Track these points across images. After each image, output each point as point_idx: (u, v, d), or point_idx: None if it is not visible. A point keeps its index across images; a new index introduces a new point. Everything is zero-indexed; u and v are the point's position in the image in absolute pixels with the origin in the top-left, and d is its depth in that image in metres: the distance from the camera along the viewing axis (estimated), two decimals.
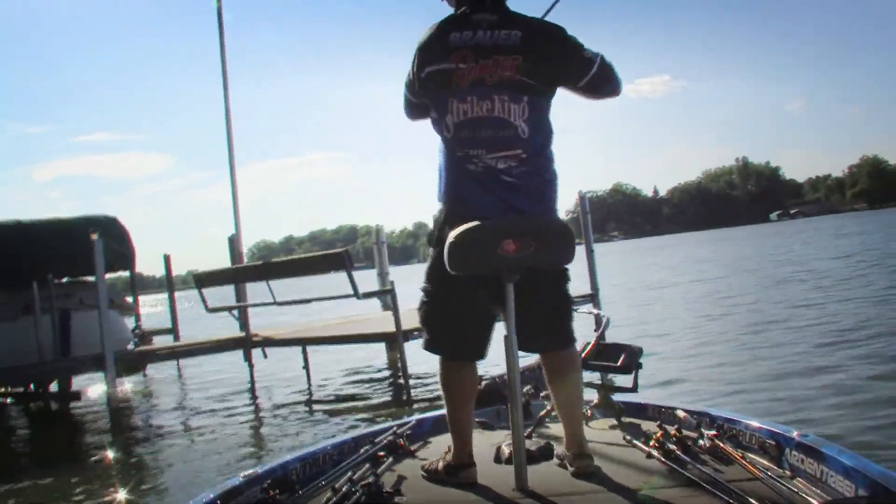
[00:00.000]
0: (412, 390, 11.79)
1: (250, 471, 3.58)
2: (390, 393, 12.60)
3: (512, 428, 3.27)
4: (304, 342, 14.09)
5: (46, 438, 11.84)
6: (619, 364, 4.57)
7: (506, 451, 3.70)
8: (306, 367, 14.46)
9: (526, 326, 3.32)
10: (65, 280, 13.61)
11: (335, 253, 11.71)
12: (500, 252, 3.13)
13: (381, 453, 4.00)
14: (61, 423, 12.99)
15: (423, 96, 3.61)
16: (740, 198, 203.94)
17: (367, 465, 3.79)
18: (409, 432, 4.34)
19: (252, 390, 13.96)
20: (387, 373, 14.47)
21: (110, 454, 10.07)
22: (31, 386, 14.33)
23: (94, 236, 11.98)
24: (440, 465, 3.63)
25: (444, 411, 3.70)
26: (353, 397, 12.34)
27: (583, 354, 4.48)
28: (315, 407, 12.06)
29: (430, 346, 3.63)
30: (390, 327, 12.21)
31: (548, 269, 3.45)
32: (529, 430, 4.21)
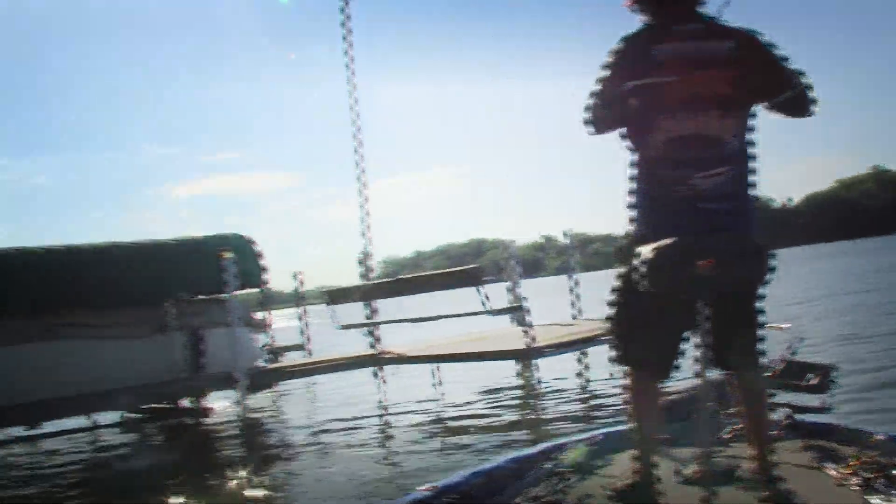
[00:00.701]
0: (546, 408, 11.37)
1: (430, 485, 3.60)
2: (522, 411, 12.20)
3: (699, 448, 3.24)
4: (434, 359, 13.80)
5: (179, 455, 11.80)
6: (811, 383, 4.41)
7: (690, 470, 3.62)
8: (437, 384, 14.18)
9: (716, 344, 3.23)
10: (197, 298, 13.64)
11: (468, 269, 11.42)
12: (696, 271, 3.07)
13: (562, 469, 3.94)
14: (194, 440, 12.96)
15: (622, 111, 3.37)
16: (876, 207, 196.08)
17: (548, 482, 3.76)
18: (591, 447, 4.27)
19: (383, 407, 13.71)
20: (518, 390, 14.05)
21: (243, 472, 9.93)
22: (165, 402, 14.42)
23: (226, 255, 11.98)
24: (623, 483, 3.56)
25: (625, 426, 3.68)
26: (484, 415, 11.95)
27: (772, 372, 4.21)
28: (447, 424, 11.72)
29: (619, 361, 3.62)
30: (522, 343, 11.82)
31: (743, 288, 3.37)
32: (715, 449, 4.06)
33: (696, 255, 3.08)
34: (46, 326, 11.98)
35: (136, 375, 12.28)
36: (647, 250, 3.18)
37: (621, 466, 3.85)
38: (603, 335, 12.61)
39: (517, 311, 12.47)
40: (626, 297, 3.53)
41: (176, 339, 12.94)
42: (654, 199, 3.38)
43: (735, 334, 3.41)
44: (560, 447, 4.27)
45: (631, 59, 3.34)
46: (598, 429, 5.01)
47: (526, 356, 12.09)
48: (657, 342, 3.49)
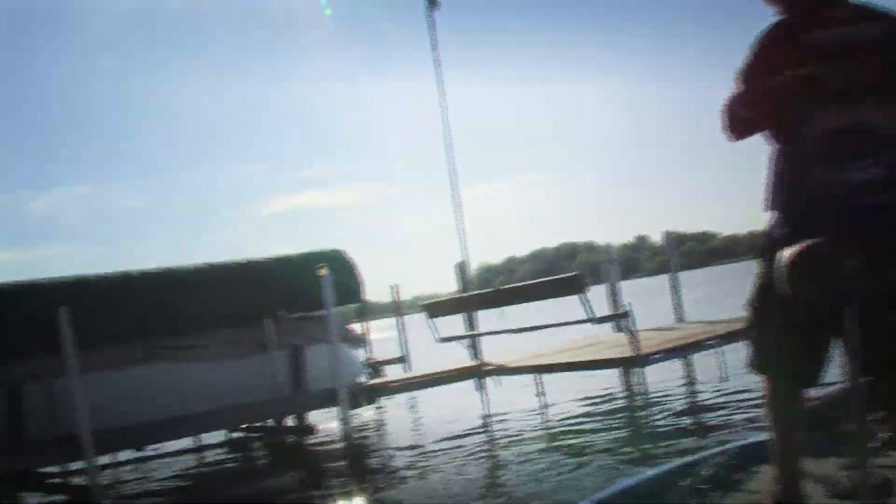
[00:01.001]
0: (657, 418, 10.98)
1: None
2: (632, 421, 11.83)
3: (857, 460, 3.03)
4: (537, 370, 13.49)
5: (284, 474, 11.74)
6: None
7: (843, 483, 3.49)
8: (541, 394, 13.86)
9: (864, 348, 2.97)
10: (296, 316, 13.58)
11: (569, 277, 11.11)
12: (844, 272, 2.82)
13: (703, 486, 3.79)
14: (299, 458, 12.90)
15: (772, 109, 3.11)
16: None
17: (692, 499, 3.62)
18: (730, 461, 4.03)
19: (488, 420, 13.45)
20: (625, 399, 13.65)
21: (350, 491, 9.84)
22: (268, 420, 14.42)
23: (323, 271, 11.89)
24: (767, 500, 3.40)
25: (764, 438, 3.51)
26: (592, 428, 11.56)
27: None
28: (555, 438, 11.41)
29: (757, 368, 3.43)
30: (625, 351, 11.46)
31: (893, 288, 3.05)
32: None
33: (844, 255, 2.84)
34: (148, 350, 12.04)
35: (238, 395, 12.27)
36: (790, 251, 2.93)
37: (763, 481, 3.65)
38: (710, 339, 12.28)
39: (621, 318, 12.09)
40: (766, 299, 3.27)
41: (276, 358, 12.90)
42: (800, 195, 3.10)
43: (884, 337, 3.09)
44: (697, 462, 4.03)
45: (778, 51, 3.08)
46: (731, 440, 4.77)
47: (631, 364, 11.71)
48: (800, 348, 3.23)
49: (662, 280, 18.95)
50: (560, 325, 12.26)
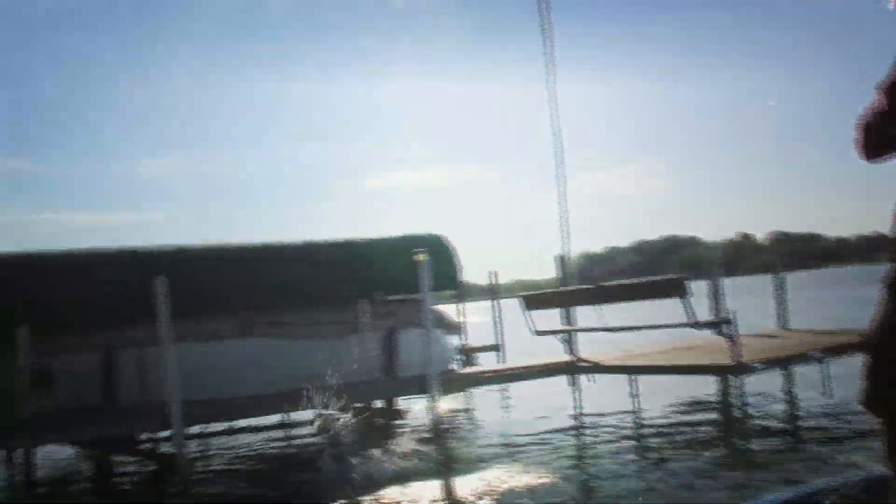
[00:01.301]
0: (754, 431, 10.61)
1: None
2: (726, 435, 11.45)
3: None
4: (632, 370, 13.15)
5: (371, 457, 11.70)
6: None
7: None
8: (635, 395, 13.52)
9: None
10: (392, 298, 13.54)
11: (672, 281, 10.79)
12: None
13: None
14: (386, 442, 12.85)
15: None
16: None
17: None
18: (859, 496, 3.72)
19: (579, 417, 13.21)
20: (719, 411, 13.24)
21: (431, 479, 9.76)
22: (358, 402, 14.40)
23: (421, 257, 11.79)
24: None
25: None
26: (686, 440, 11.19)
27: None
28: (646, 442, 11.15)
29: (873, 406, 2.85)
30: (723, 357, 11.08)
31: None
32: None
33: None
34: (244, 324, 12.16)
35: (328, 375, 12.29)
36: None
37: None
38: (814, 351, 11.75)
39: (722, 325, 11.69)
40: (893, 331, 2.79)
41: (370, 340, 12.87)
42: None
43: None
44: (818, 493, 3.74)
45: None
46: (836, 466, 4.46)
47: (730, 372, 11.33)
48: None
49: (764, 280, 18.27)
50: (660, 328, 11.93)
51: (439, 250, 14.00)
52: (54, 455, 12.53)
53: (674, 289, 10.70)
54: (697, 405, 13.30)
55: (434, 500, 8.77)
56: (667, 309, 11.72)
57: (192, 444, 12.92)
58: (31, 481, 10.20)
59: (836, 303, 35.77)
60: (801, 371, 13.23)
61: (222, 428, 13.29)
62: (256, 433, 13.73)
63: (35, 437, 10.27)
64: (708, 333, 15.19)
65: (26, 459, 10.28)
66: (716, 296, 16.53)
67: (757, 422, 11.73)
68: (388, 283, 13.44)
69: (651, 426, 12.13)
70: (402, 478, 9.88)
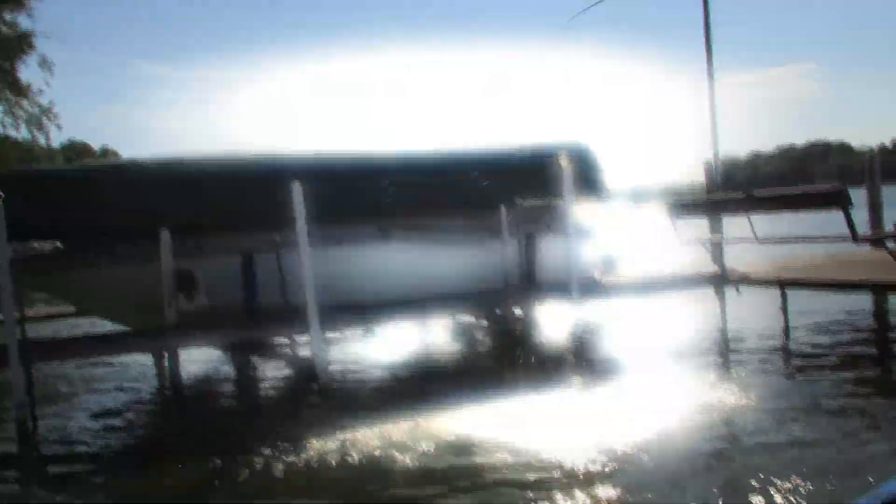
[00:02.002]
0: None
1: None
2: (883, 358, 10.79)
3: None
4: (783, 284, 12.51)
5: (510, 362, 11.56)
6: None
7: None
8: (785, 310, 12.89)
9: None
10: (532, 204, 13.22)
11: (833, 190, 10.11)
12: None
13: None
14: (526, 349, 12.71)
15: None
16: None
17: None
18: None
19: (724, 331, 12.72)
20: (876, 331, 12.51)
21: (571, 385, 9.58)
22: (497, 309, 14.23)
23: (565, 162, 11.42)
24: None
25: None
26: (839, 360, 10.59)
27: None
28: (797, 362, 10.65)
29: None
30: (883, 274, 10.37)
31: None
32: None
33: None
34: (383, 229, 12.08)
35: (468, 281, 12.15)
36: None
37: None
38: None
39: (888, 239, 10.95)
40: None
41: (510, 246, 12.63)
42: None
43: None
44: None
45: None
46: None
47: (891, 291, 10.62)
48: None
49: None
50: (817, 240, 11.26)
51: (583, 157, 13.56)
52: (198, 358, 12.89)
53: (836, 199, 10.02)
54: (853, 327, 12.54)
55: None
56: (817, 221, 11.06)
57: (330, 349, 13.08)
58: (178, 383, 10.45)
59: None
60: None
61: (362, 333, 13.35)
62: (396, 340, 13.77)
63: (180, 339, 10.48)
64: (867, 249, 14.35)
65: (172, 362, 10.53)
66: (874, 207, 15.62)
67: None
68: (531, 189, 13.12)
69: (799, 346, 11.57)
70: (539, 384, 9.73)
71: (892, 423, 7.67)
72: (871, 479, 5.62)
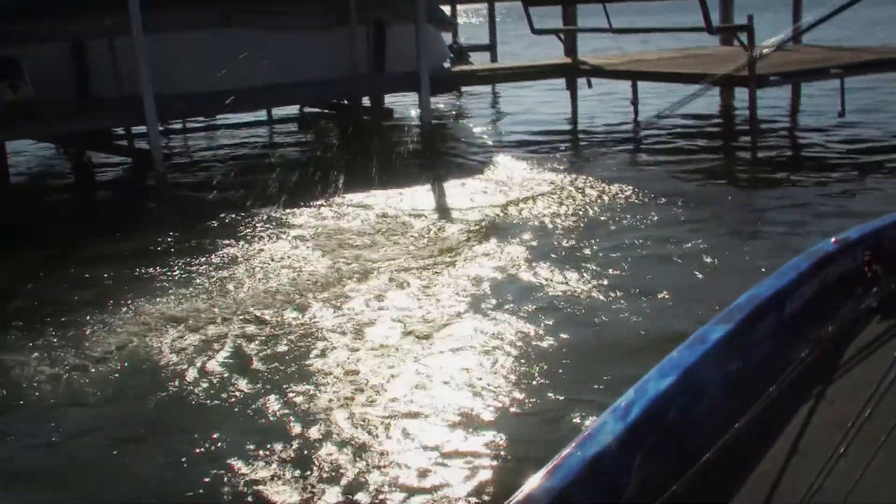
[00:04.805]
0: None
1: (843, 235, 2.85)
2: (727, 151, 10.97)
3: None
4: (635, 76, 12.34)
5: (363, 152, 11.13)
6: None
7: None
8: (634, 103, 12.82)
9: None
10: None
11: None
12: None
13: None
14: (375, 140, 12.24)
15: None
16: None
17: None
18: None
19: (573, 122, 12.59)
20: (720, 120, 12.63)
21: (428, 178, 9.31)
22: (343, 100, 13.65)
23: None
24: None
25: None
26: (682, 148, 10.67)
27: None
28: (644, 147, 10.68)
29: None
30: (738, 68, 10.30)
31: None
32: None
33: None
34: (222, 13, 11.17)
35: (314, 70, 11.50)
36: None
37: None
38: (835, 67, 10.92)
39: (740, 31, 10.78)
40: None
41: (358, 34, 11.95)
42: None
43: None
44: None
45: None
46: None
47: (744, 84, 10.55)
48: None
49: None
50: (670, 31, 11.04)
51: None
52: (29, 153, 12.03)
53: None
54: (698, 117, 12.58)
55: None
56: (667, 14, 10.86)
57: (170, 140, 12.40)
58: (5, 176, 9.68)
59: (852, 21, 34.52)
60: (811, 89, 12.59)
61: (203, 124, 12.65)
62: (237, 130, 13.12)
63: (6, 130, 9.62)
64: (717, 44, 14.27)
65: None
66: (725, 2, 15.46)
67: (769, 139, 11.13)
68: None
69: (649, 135, 11.58)
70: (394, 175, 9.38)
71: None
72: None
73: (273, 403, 4.20)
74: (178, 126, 12.62)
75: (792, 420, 2.10)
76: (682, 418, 2.00)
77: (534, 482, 1.73)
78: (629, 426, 1.87)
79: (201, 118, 12.39)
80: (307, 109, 13.89)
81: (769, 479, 1.92)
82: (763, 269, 4.47)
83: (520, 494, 1.70)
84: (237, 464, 3.65)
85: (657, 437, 1.94)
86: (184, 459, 3.75)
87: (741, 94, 11.92)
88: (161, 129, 10.57)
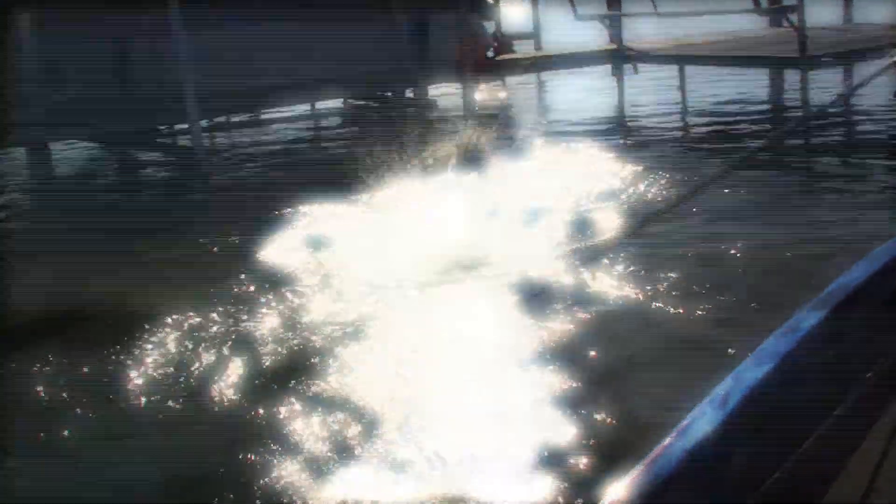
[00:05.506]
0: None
1: None
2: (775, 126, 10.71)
3: None
4: (683, 60, 12.13)
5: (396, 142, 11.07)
6: None
7: None
8: (682, 87, 12.60)
9: None
10: None
11: None
12: None
13: None
14: (420, 126, 12.15)
15: None
16: None
17: None
18: None
19: (620, 108, 12.41)
20: (771, 104, 12.36)
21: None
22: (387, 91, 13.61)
23: None
24: None
25: None
26: (728, 133, 10.45)
27: None
28: (693, 133, 10.50)
29: None
30: (787, 50, 10.12)
31: None
32: None
33: None
34: (268, 8, 11.14)
35: (358, 62, 11.43)
36: None
37: None
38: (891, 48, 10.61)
39: (789, 12, 10.57)
40: None
41: (400, 25, 11.87)
42: None
43: None
44: None
45: None
46: None
47: (795, 65, 10.35)
48: None
49: None
50: (718, 13, 10.84)
51: None
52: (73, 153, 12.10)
53: None
54: (749, 101, 12.33)
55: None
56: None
57: (214, 136, 12.39)
58: (52, 177, 9.74)
59: None
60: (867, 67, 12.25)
61: (247, 119, 12.64)
62: (281, 123, 13.09)
63: (51, 131, 9.69)
64: (766, 26, 13.96)
65: (44, 155, 9.76)
66: None
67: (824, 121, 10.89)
68: None
69: (696, 118, 11.40)
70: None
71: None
72: None
73: None
74: (223, 120, 12.61)
75: (890, 406, 2.04)
76: (780, 406, 1.95)
77: (634, 473, 1.69)
78: (728, 415, 1.82)
79: (245, 113, 12.37)
80: (350, 101, 13.86)
81: (869, 467, 1.87)
82: None
83: (620, 486, 1.66)
84: None
85: (756, 425, 1.89)
86: None
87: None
88: (204, 124, 10.56)
